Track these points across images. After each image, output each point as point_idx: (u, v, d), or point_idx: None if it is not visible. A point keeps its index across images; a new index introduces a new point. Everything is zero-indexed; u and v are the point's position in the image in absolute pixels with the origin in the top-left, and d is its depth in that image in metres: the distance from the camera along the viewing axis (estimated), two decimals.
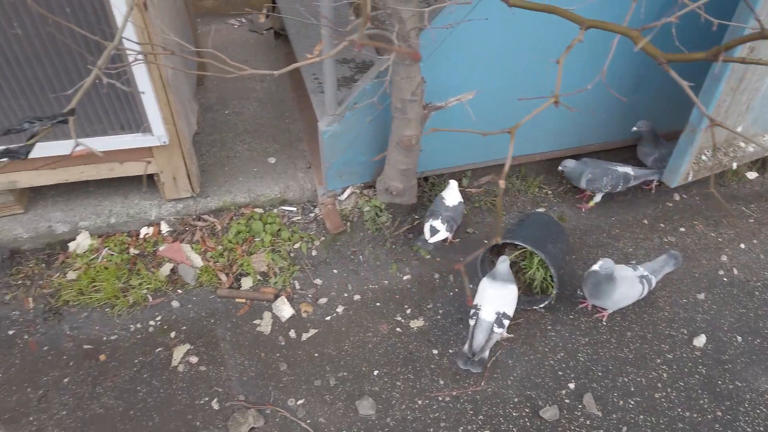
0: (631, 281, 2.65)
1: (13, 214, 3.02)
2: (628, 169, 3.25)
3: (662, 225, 3.35)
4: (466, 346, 2.58)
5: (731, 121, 3.03)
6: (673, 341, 2.75)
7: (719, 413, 2.47)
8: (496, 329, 2.52)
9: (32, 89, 2.52)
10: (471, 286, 2.96)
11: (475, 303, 2.61)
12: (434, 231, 2.98)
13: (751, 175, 3.68)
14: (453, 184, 3.11)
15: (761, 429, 2.42)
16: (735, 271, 3.09)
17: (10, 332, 2.74)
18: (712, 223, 3.36)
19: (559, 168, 3.31)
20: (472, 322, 2.57)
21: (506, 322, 2.54)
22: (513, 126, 1.18)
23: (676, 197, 3.51)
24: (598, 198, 3.35)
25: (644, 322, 2.83)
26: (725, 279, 3.04)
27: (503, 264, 2.61)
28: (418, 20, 2.34)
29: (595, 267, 2.62)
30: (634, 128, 3.32)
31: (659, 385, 2.58)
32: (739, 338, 2.76)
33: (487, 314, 2.53)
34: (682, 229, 3.32)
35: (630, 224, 3.35)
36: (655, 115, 3.44)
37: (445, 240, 3.11)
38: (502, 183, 1.09)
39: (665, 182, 3.22)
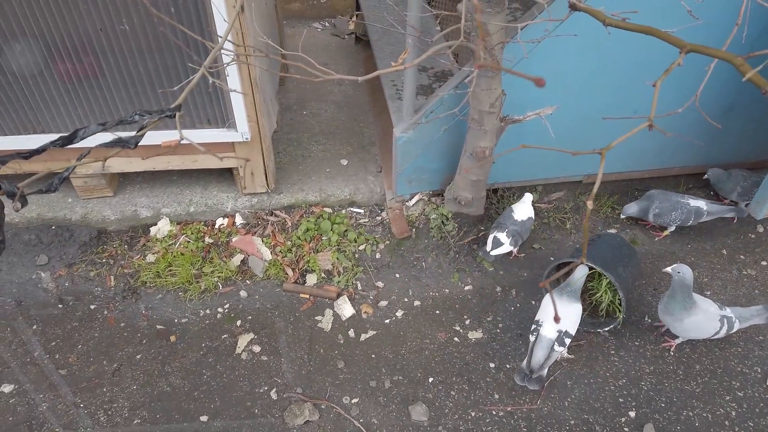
0: (709, 315, 2.53)
1: (104, 197, 3.24)
2: (701, 204, 3.08)
3: (742, 257, 3.19)
4: (524, 363, 2.55)
5: None
6: (745, 379, 2.62)
7: None
8: (557, 347, 2.48)
9: (134, 83, 2.70)
10: (533, 302, 2.93)
11: (536, 319, 2.58)
12: (497, 243, 2.97)
13: None
14: (527, 197, 3.09)
15: None
16: None
17: (92, 307, 2.93)
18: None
19: (622, 216, 3.23)
20: (532, 338, 2.54)
21: (567, 341, 2.50)
22: (605, 147, 1.17)
23: (760, 229, 3.34)
24: (671, 228, 3.22)
25: (715, 356, 2.71)
26: None
27: (580, 271, 2.55)
28: (505, 34, 2.35)
29: (668, 269, 2.51)
30: (705, 176, 3.24)
31: (726, 423, 2.46)
32: None
33: (548, 331, 2.50)
34: (764, 263, 3.15)
35: (707, 253, 3.21)
36: (744, 141, 3.29)
37: (509, 254, 3.09)
38: (590, 203, 1.09)
39: (751, 214, 3.07)
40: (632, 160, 3.35)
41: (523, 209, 3.05)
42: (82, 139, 1.29)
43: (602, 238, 2.92)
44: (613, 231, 3.32)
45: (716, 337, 2.57)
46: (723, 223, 3.37)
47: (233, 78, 2.67)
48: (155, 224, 3.20)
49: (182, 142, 1.29)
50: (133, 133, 1.29)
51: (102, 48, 2.57)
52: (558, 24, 2.51)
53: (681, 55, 1.27)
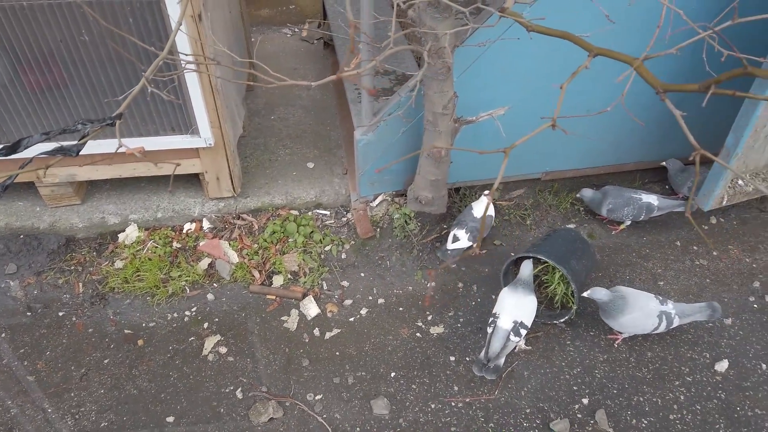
0: (647, 312, 2.63)
1: (72, 205, 3.28)
2: (653, 199, 3.20)
3: (695, 247, 3.31)
4: (482, 353, 2.64)
5: None
6: (694, 364, 2.73)
7: None
8: (513, 337, 2.57)
9: (96, 92, 2.75)
10: (494, 296, 3.02)
11: (494, 312, 2.67)
12: (455, 239, 3.07)
13: None
14: (485, 197, 3.19)
15: None
16: (767, 298, 3.03)
17: (60, 314, 2.98)
18: (747, 248, 3.30)
19: (577, 195, 3.33)
20: (489, 330, 2.64)
21: (523, 332, 2.60)
22: (508, 147, 1.26)
23: (713, 220, 3.46)
24: (627, 222, 3.33)
25: (666, 343, 2.82)
26: (755, 305, 2.99)
27: (527, 267, 2.66)
28: (455, 38, 2.44)
29: (584, 294, 2.64)
30: (663, 163, 3.36)
31: (675, 407, 2.57)
32: (764, 366, 2.71)
33: (504, 322, 2.60)
34: (716, 253, 3.28)
35: (662, 245, 3.33)
36: (695, 137, 3.41)
37: (469, 248, 3.19)
38: (490, 197, 1.17)
39: (699, 206, 3.19)
40: (589, 157, 3.46)
41: (483, 206, 3.14)
42: (26, 147, 1.36)
43: (558, 232, 3.03)
44: (571, 226, 3.42)
45: (657, 332, 2.67)
46: (677, 215, 3.48)
47: (193, 85, 2.73)
48: (123, 231, 3.25)
49: (120, 149, 1.35)
50: (75, 142, 1.35)
51: (63, 59, 2.62)
52: (506, 28, 2.61)
53: (588, 58, 1.37)
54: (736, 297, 3.03)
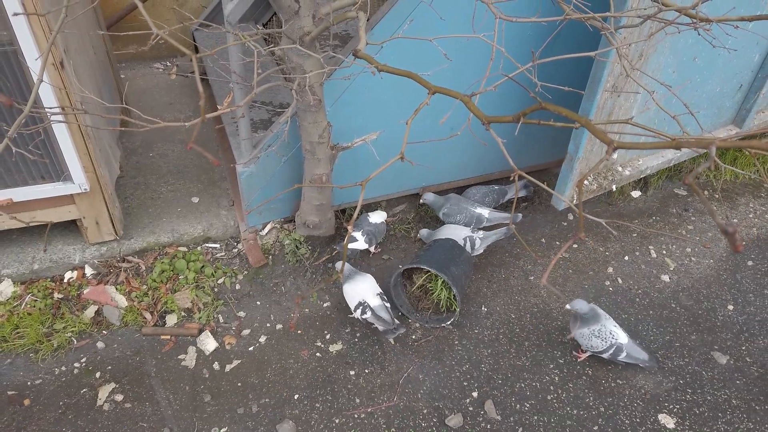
0: (457, 233, 3.35)
1: None
2: (485, 212, 3.51)
3: (557, 243, 3.71)
4: (384, 325, 2.95)
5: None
6: (565, 347, 3.07)
7: (602, 409, 2.80)
8: (385, 304, 2.99)
9: None
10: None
11: (360, 301, 2.98)
12: (352, 240, 3.25)
13: (635, 194, 4.12)
14: (380, 210, 3.53)
15: (637, 420, 2.75)
16: (620, 281, 3.47)
17: None
18: (600, 239, 3.75)
19: (420, 201, 3.63)
20: (367, 314, 2.95)
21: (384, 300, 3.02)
22: (364, 180, 1.43)
23: (570, 217, 3.90)
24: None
25: (540, 332, 3.14)
26: (611, 288, 3.42)
27: (346, 266, 3.11)
28: (318, 75, 2.60)
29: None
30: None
31: (551, 387, 2.88)
32: None
33: (373, 301, 2.97)
34: (575, 246, 3.70)
35: (530, 243, 3.70)
36: (547, 147, 3.85)
37: (367, 252, 3.40)
38: (350, 228, 1.33)
39: (554, 205, 3.59)
40: (458, 171, 3.77)
41: (378, 214, 3.43)
42: None
43: (437, 242, 3.28)
44: None
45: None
46: (542, 215, 3.89)
47: (61, 132, 2.68)
48: None
49: None
50: None
51: None
52: (364, 68, 2.81)
53: (428, 96, 1.58)
54: (594, 283, 3.45)
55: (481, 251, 3.42)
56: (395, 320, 2.95)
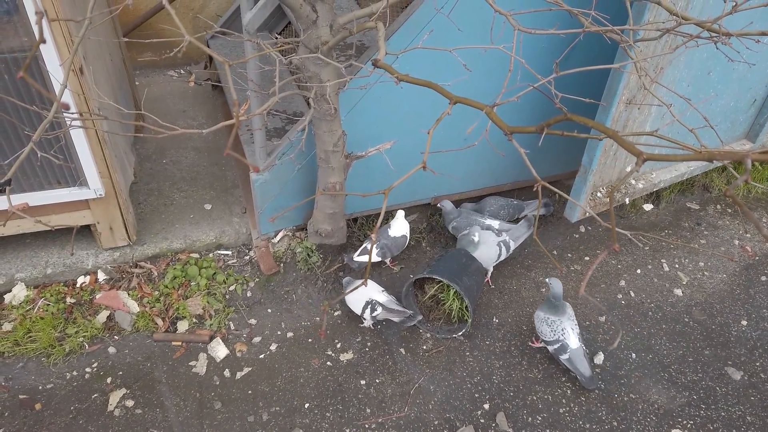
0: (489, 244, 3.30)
1: None
2: (494, 224, 3.48)
3: (569, 255, 3.70)
4: (398, 316, 3.02)
5: (624, 159, 3.44)
6: None
7: (615, 423, 2.77)
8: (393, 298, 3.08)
9: None
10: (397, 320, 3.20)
11: (366, 301, 3.01)
12: (364, 252, 3.25)
13: (647, 207, 4.10)
14: (399, 213, 3.42)
15: None
16: (632, 294, 3.45)
17: None
18: (612, 251, 3.73)
19: (438, 205, 3.61)
20: (378, 311, 3.00)
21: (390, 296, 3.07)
22: (387, 188, 1.43)
23: (582, 229, 3.88)
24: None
25: None
26: (623, 302, 3.40)
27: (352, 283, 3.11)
28: (335, 84, 2.61)
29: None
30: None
31: (563, 401, 2.86)
32: (633, 355, 3.09)
33: (379, 298, 3.03)
34: (587, 258, 3.68)
35: (541, 255, 3.68)
36: (562, 157, 3.84)
37: (382, 264, 3.46)
38: (374, 236, 1.33)
39: (568, 217, 3.58)
40: (471, 181, 3.77)
41: (398, 225, 3.38)
42: None
43: (449, 253, 3.27)
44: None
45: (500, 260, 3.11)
46: (553, 227, 3.88)
47: (79, 138, 2.70)
48: (9, 291, 3.08)
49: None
50: None
51: None
52: (384, 72, 2.83)
53: (450, 105, 1.58)
54: (606, 296, 3.43)
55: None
56: (408, 310, 3.00)
